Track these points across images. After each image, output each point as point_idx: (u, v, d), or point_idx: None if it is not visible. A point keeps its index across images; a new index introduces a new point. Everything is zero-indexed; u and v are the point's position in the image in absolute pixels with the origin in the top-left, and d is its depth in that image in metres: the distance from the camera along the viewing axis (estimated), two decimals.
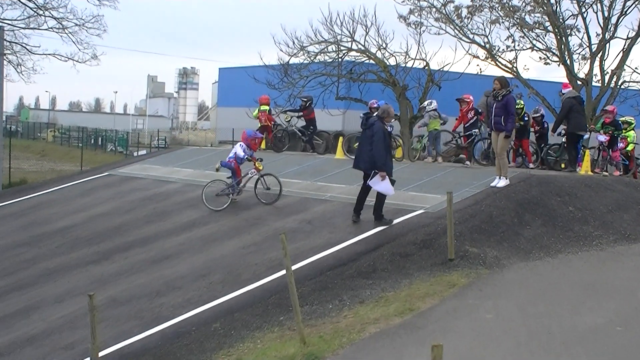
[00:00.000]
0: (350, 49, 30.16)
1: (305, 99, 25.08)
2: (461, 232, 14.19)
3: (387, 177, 14.91)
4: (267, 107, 25.12)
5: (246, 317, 11.81)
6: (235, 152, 18.44)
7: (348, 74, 30.18)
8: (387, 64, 29.89)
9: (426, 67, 29.83)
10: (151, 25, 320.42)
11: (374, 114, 15.77)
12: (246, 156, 18.37)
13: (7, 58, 35.77)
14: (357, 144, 17.83)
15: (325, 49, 30.35)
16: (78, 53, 39.73)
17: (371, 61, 30.20)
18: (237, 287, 13.12)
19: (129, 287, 14.06)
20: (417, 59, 29.91)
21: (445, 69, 29.77)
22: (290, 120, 24.72)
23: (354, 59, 30.68)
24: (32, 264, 16.28)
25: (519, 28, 30.85)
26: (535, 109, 22.75)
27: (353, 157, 22.32)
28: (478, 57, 30.87)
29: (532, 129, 22.27)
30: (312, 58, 30.42)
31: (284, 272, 11.24)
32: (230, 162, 18.27)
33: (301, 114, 24.88)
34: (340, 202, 17.49)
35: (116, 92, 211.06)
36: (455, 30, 30.61)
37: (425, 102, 22.75)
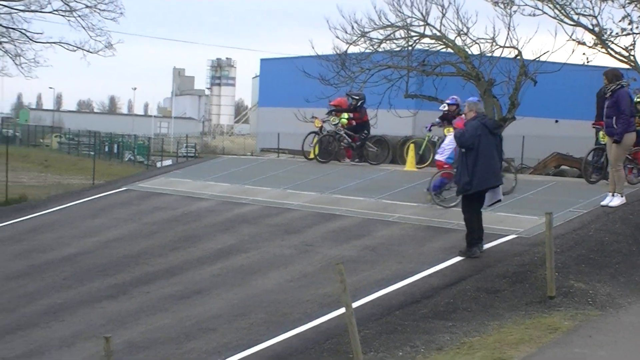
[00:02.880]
0: (422, 35, 30.11)
1: (356, 97, 25.03)
2: (564, 263, 14.03)
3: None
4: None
5: None
6: (450, 140, 18.07)
7: (420, 66, 30.14)
8: (469, 53, 29.76)
9: (518, 57, 29.62)
10: (177, 7, 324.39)
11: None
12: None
13: (3, 47, 36.60)
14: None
15: (392, 35, 30.36)
16: (89, 41, 40.49)
17: (449, 50, 30.11)
18: (284, 330, 13.14)
19: (152, 329, 14.18)
20: (507, 47, 29.73)
21: (542, 59, 29.53)
22: (338, 123, 24.69)
23: (427, 48, 30.62)
24: (33, 299, 16.52)
25: (638, 5, 30.47)
26: None
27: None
28: (584, 44, 30.54)
29: None
30: (375, 46, 30.45)
31: (342, 310, 11.23)
32: (453, 151, 18.00)
33: (351, 115, 24.84)
34: (411, 224, 17.44)
35: (135, 88, 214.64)
36: (556, 10, 30.34)
37: None
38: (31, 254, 19.26)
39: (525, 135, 38.25)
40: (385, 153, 25.42)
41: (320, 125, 24.79)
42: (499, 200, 15.39)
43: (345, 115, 24.57)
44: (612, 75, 16.75)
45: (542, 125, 49.05)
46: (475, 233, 15.07)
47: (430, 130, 22.74)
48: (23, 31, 37.56)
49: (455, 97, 22.33)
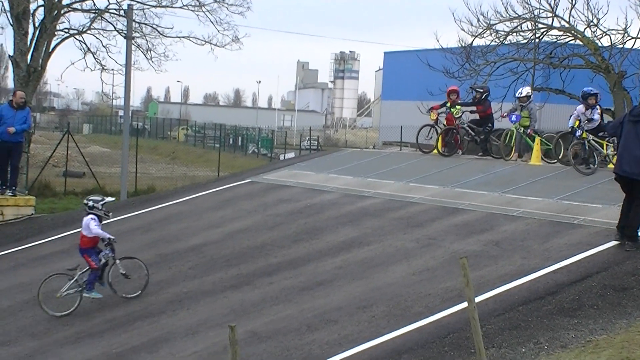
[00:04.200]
0: (550, 27, 29.70)
1: (480, 90, 24.75)
2: None
3: None
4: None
5: None
6: None
7: (547, 59, 29.73)
8: (599, 44, 29.17)
9: None
10: (302, 1, 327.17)
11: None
12: None
13: (135, 42, 37.45)
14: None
15: (519, 27, 30.06)
16: (217, 35, 41.05)
17: (577, 42, 29.59)
18: (405, 323, 13.15)
19: (274, 319, 14.37)
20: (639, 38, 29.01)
21: None
22: (460, 116, 24.45)
23: (555, 39, 30.19)
24: (160, 287, 16.94)
25: None
26: None
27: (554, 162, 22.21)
28: None
29: None
30: (501, 39, 30.20)
31: (464, 305, 11.17)
32: None
33: (474, 108, 24.60)
34: (536, 219, 17.21)
35: (259, 82, 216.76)
36: None
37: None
38: (159, 243, 19.73)
39: None
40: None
41: (435, 117, 24.60)
42: None
43: (458, 107, 24.38)
44: None
45: None
46: None
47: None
48: (154, 26, 38.39)
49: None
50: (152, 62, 39.15)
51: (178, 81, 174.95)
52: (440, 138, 24.52)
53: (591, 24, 28.97)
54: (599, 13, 29.14)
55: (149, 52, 38.62)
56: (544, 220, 17.02)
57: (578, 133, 20.24)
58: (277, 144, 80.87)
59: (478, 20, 29.77)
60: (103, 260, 16.28)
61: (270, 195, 22.37)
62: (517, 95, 23.53)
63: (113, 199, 17.70)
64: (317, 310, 14.38)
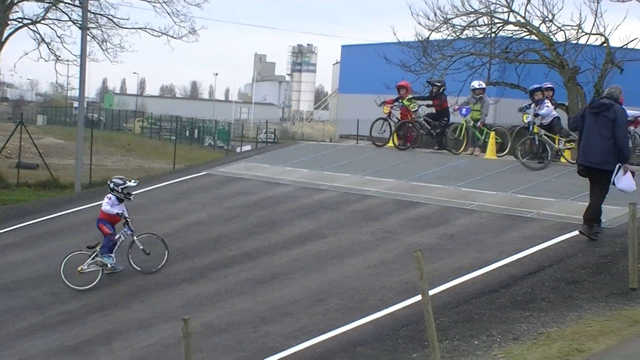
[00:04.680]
0: (506, 22, 29.86)
1: (437, 84, 24.82)
2: None
3: (629, 170, 14.84)
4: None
5: (371, 353, 11.86)
6: None
7: (503, 53, 29.88)
8: (554, 40, 29.40)
9: (604, 44, 29.15)
10: None
11: (603, 96, 15.37)
12: None
13: (90, 33, 37.20)
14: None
15: (475, 22, 30.16)
16: (173, 27, 41.09)
17: (533, 37, 29.78)
18: (360, 315, 13.21)
19: (229, 312, 14.38)
20: (593, 34, 29.30)
21: (630, 46, 29.03)
22: (417, 110, 24.50)
23: (510, 35, 30.35)
24: (115, 280, 16.87)
25: None
26: None
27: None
28: None
29: None
30: (457, 33, 30.28)
31: (418, 298, 11.24)
32: None
33: (430, 102, 24.68)
34: (491, 213, 17.35)
35: (216, 74, 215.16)
36: None
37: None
38: None
39: None
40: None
41: (388, 111, 24.60)
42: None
43: (414, 101, 24.39)
44: None
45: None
46: None
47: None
48: (110, 17, 38.21)
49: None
50: (108, 53, 39.01)
51: (134, 73, 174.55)
52: (395, 132, 24.56)
53: (546, 19, 29.18)
54: (554, 9, 29.39)
55: (104, 43, 38.48)
56: (499, 214, 17.17)
57: (530, 128, 20.44)
58: (233, 136, 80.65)
59: (435, 14, 29.85)
60: (118, 235, 17.06)
61: (226, 187, 22.32)
62: (470, 87, 23.69)
63: (135, 183, 18.33)
64: (272, 303, 14.40)
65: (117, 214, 17.14)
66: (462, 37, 30.41)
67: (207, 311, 14.52)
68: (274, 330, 13.27)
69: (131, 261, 16.89)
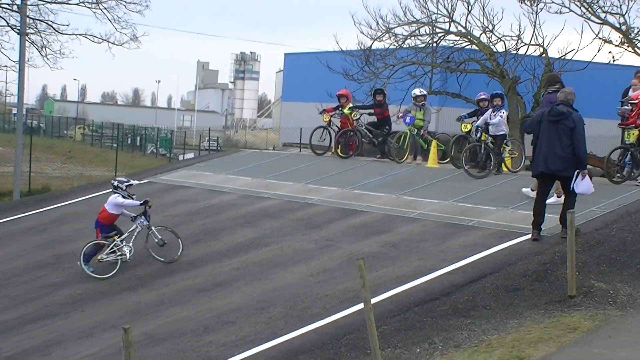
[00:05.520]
0: (447, 32, 30.12)
1: (385, 92, 24.97)
2: (585, 262, 13.99)
3: (587, 174, 15.02)
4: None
5: None
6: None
7: (444, 63, 30.12)
8: (494, 50, 29.72)
9: (543, 55, 29.54)
10: (202, 1, 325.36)
11: (559, 102, 15.41)
12: None
13: (29, 38, 36.77)
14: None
15: (417, 32, 30.39)
16: (114, 33, 40.75)
17: (474, 47, 30.07)
18: (302, 324, 13.20)
19: (170, 321, 14.28)
20: (532, 45, 29.67)
21: (568, 57, 29.44)
22: (359, 118, 24.57)
23: (452, 44, 30.60)
24: (54, 289, 16.67)
25: None
26: None
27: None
28: (611, 42, 30.44)
29: None
30: (399, 42, 30.46)
31: (361, 306, 11.25)
32: None
33: (372, 111, 24.78)
34: (433, 221, 17.44)
35: (159, 81, 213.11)
36: (582, 8, 30.27)
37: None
38: (53, 244, 19.41)
39: None
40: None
41: (328, 119, 24.65)
42: None
43: (355, 110, 24.43)
44: None
45: None
46: None
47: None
48: (49, 23, 37.75)
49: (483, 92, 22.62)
50: (48, 59, 38.55)
51: (75, 79, 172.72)
52: (336, 140, 24.60)
53: (487, 29, 29.50)
54: (494, 19, 29.73)
55: (44, 49, 38.01)
56: (440, 222, 17.27)
57: (478, 134, 20.53)
58: (176, 144, 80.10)
59: (377, 23, 30.02)
60: (134, 225, 17.57)
61: (169, 195, 22.19)
62: (412, 95, 23.82)
63: (137, 182, 19.03)
64: (215, 311, 14.33)
65: (143, 203, 17.71)
66: (404, 46, 30.62)
67: (149, 320, 14.40)
68: (217, 339, 13.20)
69: (152, 252, 17.22)
